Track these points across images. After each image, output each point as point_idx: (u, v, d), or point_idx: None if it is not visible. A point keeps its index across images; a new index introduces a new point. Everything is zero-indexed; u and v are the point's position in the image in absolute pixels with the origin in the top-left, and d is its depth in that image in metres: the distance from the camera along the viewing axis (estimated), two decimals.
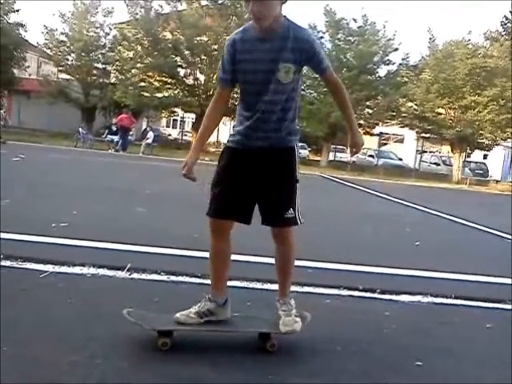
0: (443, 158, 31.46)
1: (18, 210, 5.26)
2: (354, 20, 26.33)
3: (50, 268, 3.17)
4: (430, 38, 25.86)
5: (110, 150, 20.62)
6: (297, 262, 3.86)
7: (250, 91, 2.21)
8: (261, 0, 2.06)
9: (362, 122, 27.29)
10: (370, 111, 27.00)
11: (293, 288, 3.22)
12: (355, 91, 24.58)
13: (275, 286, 2.55)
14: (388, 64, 26.90)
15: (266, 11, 2.08)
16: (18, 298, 2.66)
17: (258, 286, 3.29)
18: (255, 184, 2.23)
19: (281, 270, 2.38)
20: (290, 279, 2.40)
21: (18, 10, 29.66)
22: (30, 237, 3.91)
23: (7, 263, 3.20)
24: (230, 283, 3.21)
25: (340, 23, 26.34)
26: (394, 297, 3.36)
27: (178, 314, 2.26)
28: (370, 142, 33.24)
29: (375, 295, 3.36)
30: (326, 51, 26.55)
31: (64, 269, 3.20)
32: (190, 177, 2.26)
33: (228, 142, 2.32)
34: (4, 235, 3.86)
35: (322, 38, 27.05)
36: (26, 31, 30.24)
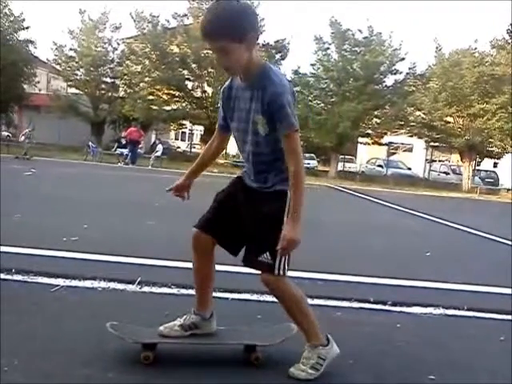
0: (453, 167, 31.33)
1: (29, 224, 5.30)
2: (360, 31, 26.47)
3: (60, 282, 3.19)
4: (437, 47, 25.91)
5: (119, 163, 20.75)
6: (307, 275, 3.90)
7: (238, 138, 2.20)
8: (222, 54, 1.97)
9: (370, 131, 27.35)
10: (378, 121, 27.03)
11: None
12: (362, 101, 24.64)
13: None
14: (395, 73, 26.95)
15: (228, 63, 2.01)
16: (29, 311, 2.67)
17: (269, 298, 3.27)
18: (241, 216, 2.16)
19: (290, 315, 2.22)
20: (305, 324, 2.20)
21: (27, 28, 30.13)
22: (41, 251, 3.93)
23: (19, 277, 3.21)
24: (240, 296, 3.24)
25: (346, 34, 26.46)
26: (405, 309, 3.33)
27: (161, 327, 2.24)
28: (378, 152, 33.25)
29: (386, 307, 3.33)
30: (331, 62, 26.68)
31: (75, 282, 3.21)
32: (177, 195, 2.38)
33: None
34: (15, 249, 3.89)
35: (328, 49, 27.20)
36: (35, 48, 30.73)
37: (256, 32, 2.00)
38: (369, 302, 3.38)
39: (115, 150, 22.59)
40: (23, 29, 30.00)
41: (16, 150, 21.01)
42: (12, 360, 2.05)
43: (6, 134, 35.74)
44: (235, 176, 2.34)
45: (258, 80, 2.03)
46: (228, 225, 2.20)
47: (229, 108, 2.18)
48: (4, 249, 3.88)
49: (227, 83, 2.21)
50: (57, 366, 2.06)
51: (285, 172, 2.07)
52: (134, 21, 27.10)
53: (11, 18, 29.72)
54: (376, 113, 26.76)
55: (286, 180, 2.06)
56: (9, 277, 3.21)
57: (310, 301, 3.21)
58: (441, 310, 3.35)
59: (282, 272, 2.07)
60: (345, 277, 4.01)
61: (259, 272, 2.11)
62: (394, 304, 3.37)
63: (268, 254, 2.06)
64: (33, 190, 8.95)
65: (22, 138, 19.60)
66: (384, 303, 3.37)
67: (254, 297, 3.25)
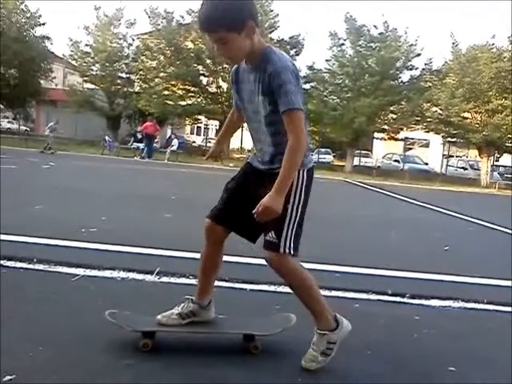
0: (470, 163, 30.96)
1: (49, 215, 5.37)
2: (375, 27, 26.24)
3: (81, 272, 3.23)
4: (453, 43, 25.56)
5: (135, 158, 20.90)
6: (324, 267, 3.90)
7: (247, 120, 2.22)
8: (222, 45, 1.96)
9: (386, 127, 27.14)
10: (394, 116, 26.81)
11: (321, 292, 3.25)
12: (378, 97, 24.45)
13: None
14: (411, 69, 26.69)
15: (229, 53, 2.01)
16: (51, 300, 2.71)
17: (286, 290, 3.27)
18: (253, 200, 2.11)
19: (298, 298, 2.21)
20: (315, 312, 2.18)
21: (43, 24, 30.43)
22: (62, 241, 3.98)
23: (40, 267, 3.26)
24: (258, 287, 3.25)
25: (361, 30, 26.26)
26: (423, 301, 3.31)
27: (159, 316, 2.25)
28: (395, 147, 33.01)
29: (404, 300, 3.32)
30: (347, 58, 26.50)
31: (94, 272, 3.25)
32: (214, 160, 2.51)
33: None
34: (37, 240, 3.95)
35: (343, 44, 27.03)
36: (51, 44, 31.08)
37: (255, 18, 1.97)
38: (387, 294, 3.37)
39: (131, 145, 22.73)
40: (40, 25, 30.31)
41: (34, 144, 21.29)
42: (37, 347, 2.09)
43: (25, 128, 36.20)
44: (245, 162, 2.35)
45: (260, 62, 2.02)
46: (241, 212, 2.18)
47: (237, 90, 2.20)
48: (26, 239, 3.94)
49: (235, 66, 2.21)
50: (77, 354, 2.09)
51: None
52: (149, 17, 27.20)
53: (28, 15, 30.05)
54: (392, 108, 26.53)
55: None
56: (31, 266, 3.26)
57: (327, 293, 3.25)
58: (460, 303, 3.33)
59: (287, 250, 2.05)
60: (362, 269, 4.00)
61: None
62: (413, 297, 3.35)
63: (273, 232, 2.05)
64: (52, 182, 9.05)
65: (47, 132, 19.62)
66: (402, 296, 3.36)
67: (272, 288, 3.26)
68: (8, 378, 1.81)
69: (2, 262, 3.26)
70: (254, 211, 1.96)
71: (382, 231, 6.74)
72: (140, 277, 3.26)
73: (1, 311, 2.46)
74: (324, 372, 2.13)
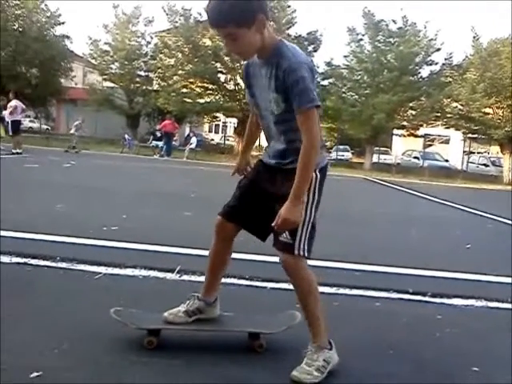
0: (492, 159, 30.45)
1: (70, 213, 5.45)
2: (394, 21, 25.96)
3: (103, 270, 3.27)
4: (474, 37, 25.14)
5: (154, 156, 21.04)
6: (345, 265, 3.88)
7: (260, 115, 2.17)
8: (231, 40, 1.91)
9: (405, 123, 26.86)
10: (414, 112, 26.52)
11: (341, 291, 3.25)
12: (397, 93, 24.23)
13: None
14: (431, 64, 26.37)
15: (239, 49, 1.96)
16: (74, 298, 2.75)
17: None
18: (266, 197, 2.11)
19: (300, 306, 2.13)
20: (313, 322, 2.09)
21: (63, 23, 30.78)
22: (84, 240, 4.03)
23: (63, 265, 3.31)
24: (278, 285, 3.25)
25: (379, 25, 26.00)
26: (445, 300, 3.28)
27: (165, 314, 2.24)
28: (414, 144, 32.68)
29: (426, 298, 3.29)
30: (365, 53, 26.28)
31: (117, 270, 3.29)
32: (241, 175, 2.35)
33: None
34: (60, 238, 4.01)
35: (361, 40, 26.82)
36: (71, 43, 31.43)
37: (265, 12, 1.90)
38: (408, 293, 3.34)
39: (150, 143, 22.88)
40: (59, 24, 30.66)
41: (55, 142, 21.59)
42: (62, 344, 2.13)
43: (46, 127, 36.72)
44: (257, 160, 2.32)
45: (272, 57, 1.95)
46: (253, 210, 2.17)
47: (250, 85, 2.16)
48: (49, 238, 4.01)
49: (247, 60, 2.15)
50: (101, 350, 2.12)
51: None
52: (167, 14, 27.31)
53: (48, 14, 30.41)
54: (411, 104, 26.24)
55: None
56: (54, 264, 3.31)
57: (348, 291, 3.25)
58: (483, 302, 3.29)
59: (301, 252, 2.00)
60: (383, 268, 3.97)
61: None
62: (434, 295, 3.32)
63: (287, 233, 1.99)
64: (72, 181, 9.17)
65: (72, 131, 19.73)
66: (424, 294, 3.33)
67: (292, 286, 3.25)
68: (35, 374, 1.84)
69: (26, 260, 3.33)
70: (273, 224, 1.93)
71: (403, 229, 6.69)
72: (161, 275, 3.29)
73: (26, 309, 2.51)
74: (344, 372, 2.12)
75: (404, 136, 29.08)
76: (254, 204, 2.17)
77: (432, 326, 2.80)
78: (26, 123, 35.56)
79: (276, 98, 1.97)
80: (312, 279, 2.09)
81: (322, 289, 3.16)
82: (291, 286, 3.21)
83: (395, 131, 29.24)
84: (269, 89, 1.99)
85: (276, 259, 3.65)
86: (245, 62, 2.17)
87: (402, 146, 35.88)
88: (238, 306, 2.45)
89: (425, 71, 26.55)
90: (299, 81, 1.88)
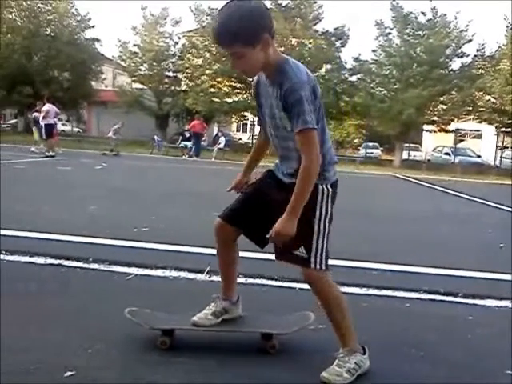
0: None
1: (102, 215, 5.56)
2: (423, 13, 25.52)
3: (134, 270, 3.33)
4: (507, 26, 24.51)
5: (184, 156, 21.23)
6: (374, 265, 3.86)
7: (269, 133, 2.17)
8: (237, 59, 1.94)
9: (435, 118, 26.39)
10: (444, 107, 26.03)
11: (370, 291, 3.23)
12: (427, 87, 23.82)
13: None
14: (462, 56, 25.83)
15: (244, 67, 1.98)
16: (106, 299, 2.82)
17: None
18: (270, 209, 2.10)
19: (328, 317, 2.11)
20: (342, 328, 2.09)
21: (93, 26, 31.36)
22: (115, 241, 4.12)
23: (95, 266, 3.39)
24: (307, 286, 3.25)
25: (408, 17, 25.59)
26: (477, 301, 3.22)
27: (195, 318, 2.26)
28: (445, 139, 32.06)
29: (458, 299, 3.24)
30: (394, 47, 25.89)
31: (147, 271, 3.35)
32: (237, 192, 2.37)
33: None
34: (91, 240, 4.11)
35: (389, 33, 26.45)
36: (101, 45, 32.09)
37: (270, 31, 1.92)
38: (439, 293, 3.30)
39: (179, 143, 23.10)
40: (89, 27, 31.27)
41: (87, 144, 22.03)
42: (94, 344, 2.18)
43: (77, 129, 37.50)
44: (266, 170, 2.32)
45: (276, 77, 1.98)
46: (255, 217, 2.18)
47: (260, 105, 2.16)
48: (82, 239, 4.11)
49: (256, 78, 2.16)
50: (133, 351, 2.17)
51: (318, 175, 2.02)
52: (194, 14, 27.53)
53: (78, 18, 31.04)
54: (442, 99, 25.77)
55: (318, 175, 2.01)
56: (87, 265, 3.39)
57: (377, 292, 3.23)
58: None
59: (319, 266, 2.02)
60: (413, 267, 3.93)
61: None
62: (466, 296, 3.27)
63: (303, 248, 2.02)
64: (104, 183, 9.35)
65: (110, 134, 19.86)
66: (455, 295, 3.28)
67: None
68: (69, 373, 1.90)
69: (60, 261, 3.42)
70: (268, 235, 1.97)
71: (434, 227, 6.59)
72: (191, 276, 3.34)
73: (60, 309, 2.58)
74: (376, 373, 2.11)
75: (434, 131, 28.58)
76: (255, 212, 2.19)
77: (463, 327, 2.76)
78: (59, 126, 36.46)
79: (284, 115, 1.99)
80: (336, 292, 2.10)
81: (350, 289, 3.20)
82: (306, 286, 3.25)
83: (425, 127, 28.76)
84: (277, 107, 2.01)
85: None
86: (255, 81, 2.18)
87: (433, 142, 35.25)
88: (267, 306, 2.47)
89: (456, 64, 26.09)
90: (298, 102, 1.90)
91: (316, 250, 2.02)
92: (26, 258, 3.45)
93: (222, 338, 2.34)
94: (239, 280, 3.26)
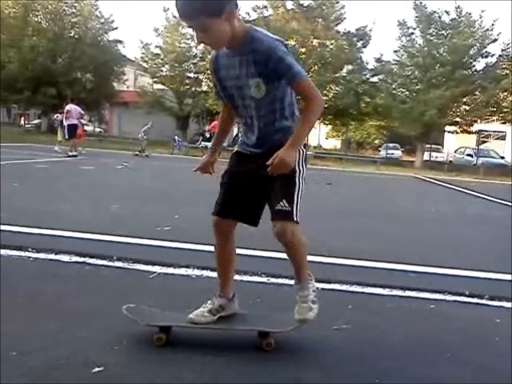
0: None
1: (125, 214, 5.62)
2: (447, 12, 25.22)
3: (157, 269, 3.36)
4: None
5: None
6: (398, 266, 3.82)
7: (233, 105, 2.20)
8: (202, 32, 1.94)
9: (458, 119, 26.04)
10: (467, 108, 25.69)
11: (394, 292, 3.20)
12: (450, 88, 23.53)
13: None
14: (486, 56, 25.45)
15: (210, 39, 1.98)
16: (130, 296, 2.83)
17: (358, 289, 3.24)
18: (255, 185, 2.18)
19: (291, 261, 2.25)
20: (304, 266, 2.24)
21: (116, 28, 31.72)
22: (138, 240, 4.15)
23: (119, 264, 3.43)
24: (330, 286, 3.24)
25: (431, 17, 25.31)
26: (504, 303, 3.17)
27: (191, 315, 2.27)
28: (467, 140, 31.61)
29: (483, 301, 3.19)
30: (416, 47, 25.62)
31: (171, 270, 3.37)
32: (204, 172, 2.51)
33: (236, 146, 2.37)
34: (115, 238, 4.15)
35: (412, 34, 26.19)
36: (124, 47, 32.47)
37: (233, 2, 1.93)
38: (464, 295, 3.25)
39: (200, 144, 23.21)
40: (113, 29, 31.65)
41: (108, 144, 22.27)
42: (121, 341, 2.20)
43: (99, 129, 37.95)
44: (232, 153, 2.37)
45: (245, 45, 2.00)
46: (242, 201, 2.25)
47: (218, 78, 2.17)
48: (105, 237, 4.15)
49: (213, 53, 2.17)
50: (158, 347, 2.18)
51: (290, 128, 2.11)
52: None
53: (102, 20, 31.44)
54: (465, 99, 25.43)
55: (287, 133, 2.09)
56: (111, 263, 3.43)
57: (401, 293, 3.19)
58: None
59: (297, 219, 2.11)
60: (437, 269, 3.88)
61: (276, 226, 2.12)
62: (492, 298, 3.21)
63: (285, 201, 2.08)
64: (126, 182, 9.45)
65: (140, 135, 19.92)
66: (481, 297, 3.22)
67: (344, 287, 3.24)
68: (96, 369, 1.92)
69: (85, 259, 3.46)
70: (268, 162, 1.98)
71: (456, 229, 6.50)
72: (213, 274, 3.33)
73: (87, 306, 2.61)
74: (401, 375, 2.10)
75: (457, 132, 28.21)
76: (241, 195, 2.24)
77: (490, 330, 2.72)
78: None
79: (258, 82, 2.02)
80: (303, 239, 2.19)
81: (374, 290, 3.18)
82: (343, 287, 3.23)
83: (447, 128, 28.39)
84: (247, 76, 2.03)
85: (327, 260, 3.66)
86: (212, 56, 2.18)
87: (455, 143, 34.78)
88: (288, 306, 2.44)
89: (480, 64, 25.73)
90: (281, 60, 1.96)
91: (296, 204, 2.11)
92: (52, 256, 3.50)
93: (216, 335, 2.33)
94: (261, 280, 3.29)
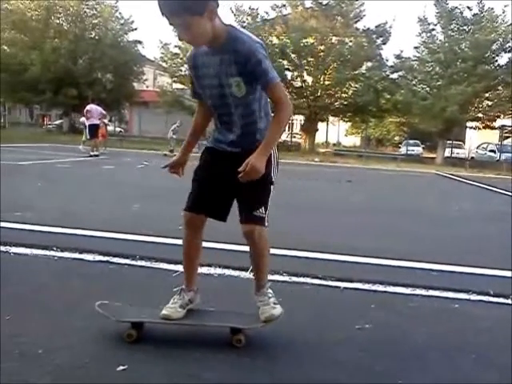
0: None
1: (146, 213, 5.67)
2: (469, 8, 24.85)
3: (180, 268, 3.37)
4: None
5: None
6: (421, 265, 3.78)
7: (212, 104, 2.21)
8: (184, 29, 1.95)
9: (480, 115, 25.65)
10: (490, 103, 25.28)
11: (417, 292, 3.16)
12: (472, 83, 23.18)
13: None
14: (509, 51, 24.98)
15: (192, 37, 1.99)
16: (154, 295, 2.86)
17: (381, 288, 3.22)
18: (229, 183, 2.19)
19: (253, 265, 2.36)
20: (264, 273, 2.35)
21: (136, 29, 31.98)
22: (161, 239, 4.19)
23: (142, 263, 3.46)
24: (352, 285, 3.22)
25: (453, 13, 24.95)
26: None
27: (165, 312, 2.28)
28: (490, 136, 31.08)
29: (509, 301, 3.13)
30: (437, 43, 25.30)
31: None
32: (173, 172, 2.52)
33: (207, 142, 2.38)
34: (137, 237, 4.19)
35: (433, 30, 25.87)
36: (143, 47, 32.71)
37: (215, 0, 1.95)
38: (489, 294, 3.20)
39: None
40: (132, 30, 31.93)
41: (128, 144, 22.47)
42: (144, 339, 2.23)
43: (119, 129, 38.31)
44: (204, 148, 2.38)
45: (226, 44, 2.02)
46: (214, 197, 2.29)
47: (197, 76, 2.18)
48: (128, 237, 4.20)
49: (191, 52, 2.19)
50: (178, 346, 2.20)
51: (262, 129, 2.16)
52: (234, 15, 27.66)
53: (122, 21, 31.74)
54: (487, 95, 25.04)
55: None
56: (133, 262, 3.46)
57: (424, 292, 3.16)
58: None
59: (267, 223, 2.22)
60: (461, 267, 3.83)
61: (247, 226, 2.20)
62: None
63: (263, 208, 2.19)
64: (146, 181, 9.52)
65: (170, 134, 19.80)
66: (506, 297, 3.17)
67: (366, 286, 3.22)
68: (121, 368, 1.95)
69: (108, 258, 3.51)
70: (240, 169, 2.00)
71: (480, 227, 6.40)
72: (236, 273, 3.36)
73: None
74: (426, 376, 2.08)
75: (479, 128, 27.77)
76: (213, 191, 2.28)
77: None
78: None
79: (238, 81, 2.05)
80: (269, 247, 2.30)
81: (397, 289, 3.15)
82: (366, 286, 3.21)
83: (469, 123, 27.98)
84: (227, 75, 2.06)
85: (350, 258, 3.64)
86: (190, 54, 2.20)
87: (477, 139, 34.24)
88: (312, 306, 2.45)
89: (502, 59, 25.27)
90: (260, 62, 2.00)
91: (268, 209, 2.22)
92: (76, 255, 3.55)
93: (189, 331, 2.34)
94: (283, 278, 3.29)
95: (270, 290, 2.35)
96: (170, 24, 1.98)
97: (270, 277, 3.27)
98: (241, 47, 2.00)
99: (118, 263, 3.44)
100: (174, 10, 1.91)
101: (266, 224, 2.22)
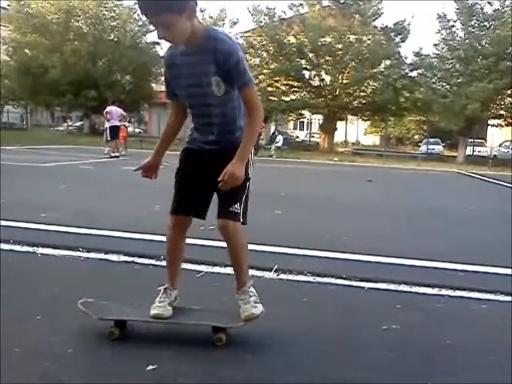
0: None
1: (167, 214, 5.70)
2: (489, 3, 24.47)
3: (204, 268, 3.40)
4: None
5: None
6: (447, 265, 3.74)
7: (191, 104, 2.22)
8: (164, 28, 1.97)
9: (502, 112, 25.26)
10: None
11: (443, 292, 3.13)
12: (493, 80, 22.83)
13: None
14: None
15: (171, 36, 2.01)
16: (181, 295, 2.88)
17: (407, 288, 3.20)
18: (209, 181, 2.21)
19: (231, 261, 2.39)
20: (243, 271, 2.37)
21: (153, 30, 32.13)
22: None
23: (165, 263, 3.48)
24: (377, 285, 3.19)
25: (473, 8, 24.60)
26: None
27: (155, 311, 2.28)
28: None
29: None
30: (457, 40, 24.97)
31: (217, 269, 3.41)
32: (145, 176, 2.54)
33: (186, 143, 2.39)
34: (162, 238, 4.21)
35: (452, 26, 25.55)
36: (161, 48, 32.90)
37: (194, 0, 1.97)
38: None
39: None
40: (150, 31, 32.16)
41: (148, 145, 22.58)
42: (173, 339, 2.24)
43: (138, 130, 38.64)
44: (181, 150, 2.39)
45: (205, 43, 2.04)
46: (196, 197, 2.32)
47: (174, 76, 2.20)
48: (151, 237, 4.23)
49: (169, 51, 2.20)
50: (202, 346, 2.21)
51: (240, 127, 2.18)
52: (252, 15, 27.70)
53: (140, 23, 32.00)
54: (510, 92, 24.62)
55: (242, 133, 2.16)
56: (158, 263, 3.49)
57: (451, 292, 3.12)
58: None
59: (243, 220, 2.26)
60: (488, 268, 3.77)
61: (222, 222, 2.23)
62: None
63: (238, 204, 2.21)
64: (166, 182, 9.56)
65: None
66: None
67: (392, 286, 3.19)
68: (151, 367, 1.96)
69: (133, 258, 3.54)
70: (219, 178, 2.05)
71: (505, 226, 6.30)
72: (259, 273, 3.36)
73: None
74: (454, 378, 2.05)
75: (501, 126, 27.36)
76: (195, 191, 2.31)
77: None
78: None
79: (218, 80, 2.07)
80: (245, 239, 2.34)
81: (423, 289, 3.12)
82: (391, 287, 3.19)
83: (491, 121, 27.56)
84: (207, 74, 2.07)
85: (374, 259, 3.61)
86: (167, 53, 2.22)
87: (499, 137, 33.70)
88: (339, 304, 2.44)
89: None
90: (237, 63, 2.03)
91: (245, 206, 2.25)
92: (101, 255, 3.59)
93: (170, 329, 2.34)
94: (307, 278, 3.29)
95: (252, 289, 2.35)
96: (150, 23, 2.02)
97: (291, 276, 3.30)
98: (221, 46, 2.03)
99: (143, 263, 3.47)
100: (155, 8, 1.94)
101: (242, 220, 2.24)
